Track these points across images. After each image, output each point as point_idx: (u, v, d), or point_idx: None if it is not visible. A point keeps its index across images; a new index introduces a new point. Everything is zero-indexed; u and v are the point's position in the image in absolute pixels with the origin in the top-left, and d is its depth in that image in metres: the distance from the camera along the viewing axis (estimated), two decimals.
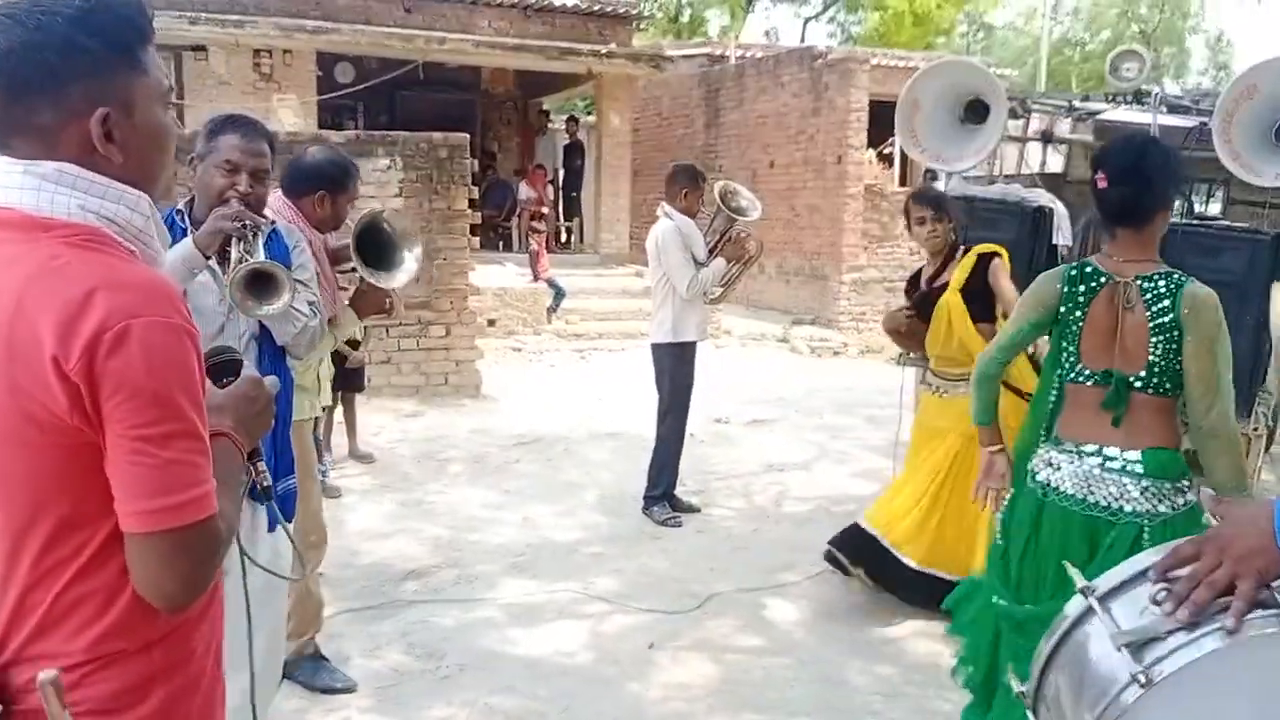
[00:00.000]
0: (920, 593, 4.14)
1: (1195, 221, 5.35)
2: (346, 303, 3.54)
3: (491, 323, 11.19)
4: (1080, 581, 1.50)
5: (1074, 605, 1.50)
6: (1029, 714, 1.60)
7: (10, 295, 1.18)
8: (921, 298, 4.41)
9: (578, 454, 7.13)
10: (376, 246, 3.44)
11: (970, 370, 4.17)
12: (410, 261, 3.50)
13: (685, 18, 28.32)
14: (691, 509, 5.74)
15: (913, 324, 4.49)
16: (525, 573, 4.80)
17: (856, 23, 28.20)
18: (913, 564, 4.17)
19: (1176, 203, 6.62)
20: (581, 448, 7.30)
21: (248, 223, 2.68)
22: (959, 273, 4.23)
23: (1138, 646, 1.37)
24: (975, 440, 4.17)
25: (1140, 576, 1.45)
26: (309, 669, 3.60)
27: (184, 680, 1.33)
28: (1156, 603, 1.37)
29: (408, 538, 5.23)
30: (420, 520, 5.54)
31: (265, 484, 1.56)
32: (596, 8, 15.35)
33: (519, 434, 7.61)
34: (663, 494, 5.67)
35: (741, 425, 8.14)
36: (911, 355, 4.78)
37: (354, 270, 3.45)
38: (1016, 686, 1.64)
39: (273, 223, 2.87)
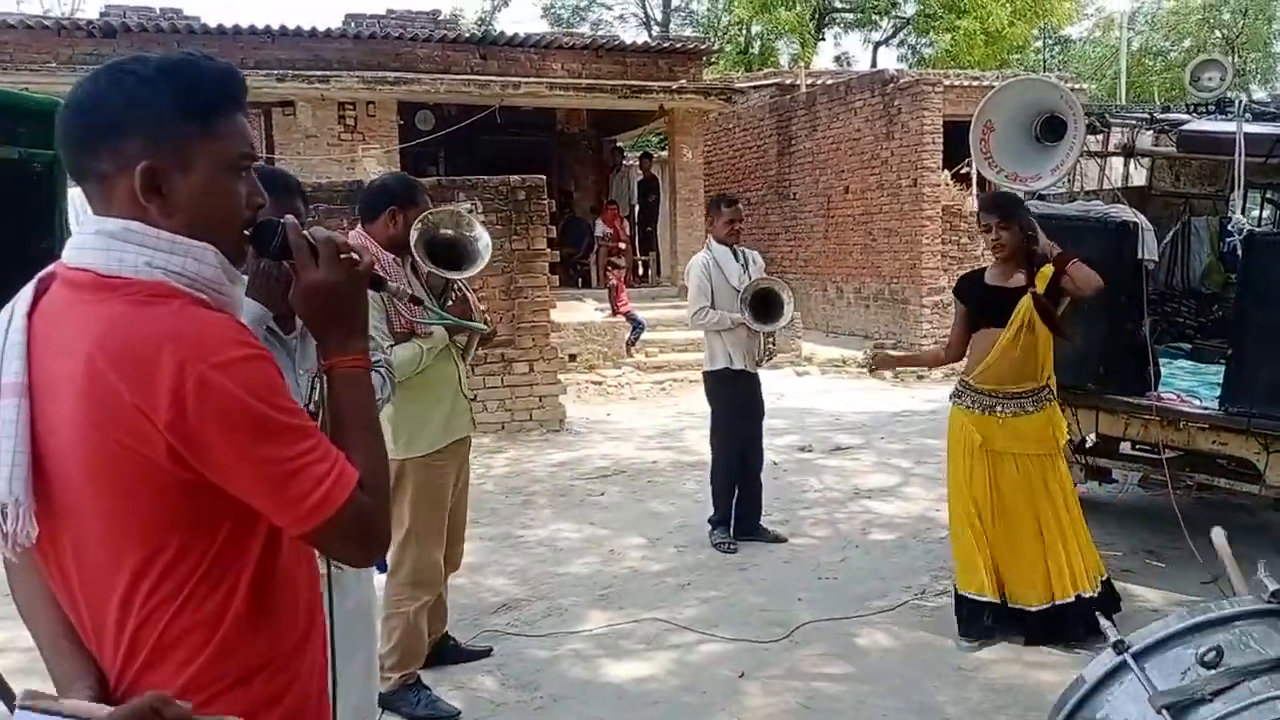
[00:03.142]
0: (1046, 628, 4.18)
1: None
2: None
3: (573, 358, 11.34)
4: (1113, 635, 1.47)
5: (1104, 660, 1.46)
6: None
7: (84, 357, 1.22)
8: (988, 294, 4.29)
9: (661, 485, 7.17)
10: (447, 248, 3.51)
11: (1027, 387, 4.16)
12: (480, 252, 3.53)
13: (755, 49, 28.46)
14: (778, 539, 5.74)
15: (913, 354, 4.49)
16: (613, 604, 4.84)
17: (928, 44, 28.00)
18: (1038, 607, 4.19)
19: (1269, 210, 6.45)
20: (665, 478, 7.34)
21: None
22: (1041, 280, 4.18)
23: (1179, 709, 1.34)
24: (1031, 455, 4.19)
25: (1178, 637, 1.40)
26: (411, 699, 3.69)
27: (288, 708, 1.38)
28: (1205, 664, 1.33)
29: (497, 571, 5.33)
30: (509, 554, 5.63)
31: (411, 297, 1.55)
32: (666, 45, 15.57)
33: (602, 466, 7.69)
34: (721, 518, 5.70)
35: (825, 453, 8.10)
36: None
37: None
38: None
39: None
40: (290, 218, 1.44)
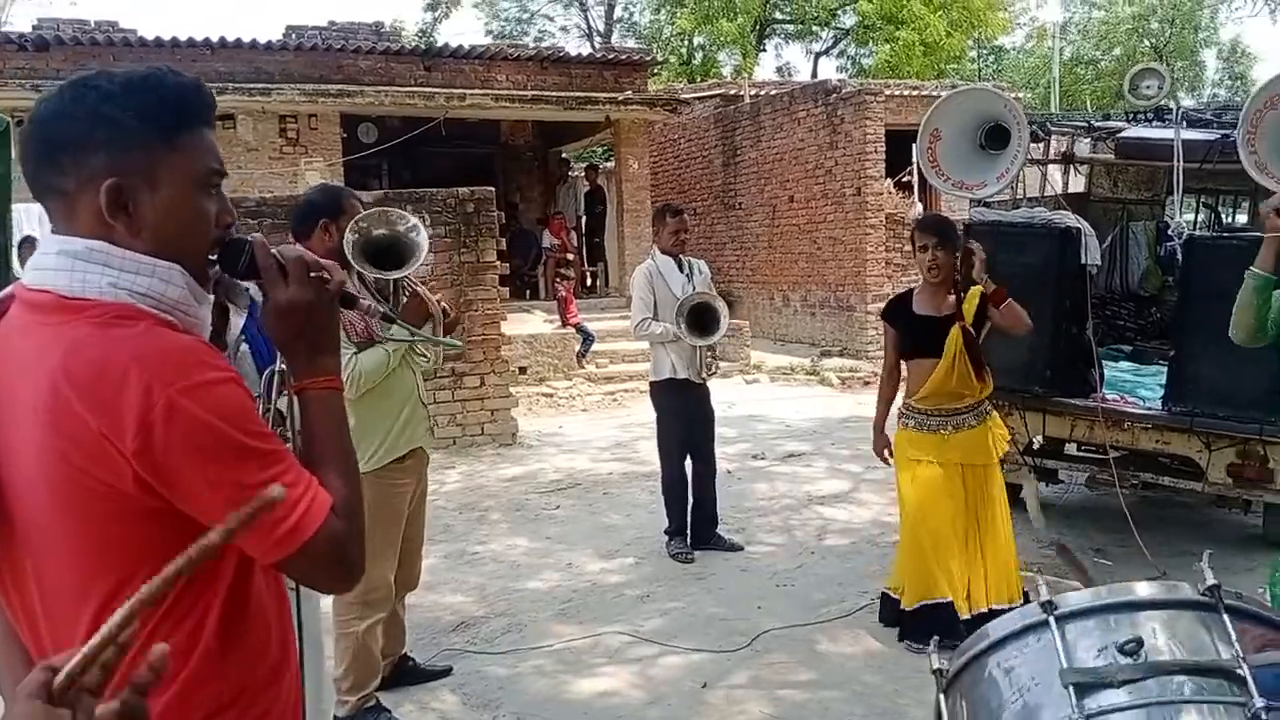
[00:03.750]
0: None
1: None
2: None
3: (523, 370, 11.27)
4: (1044, 593, 1.47)
5: (1028, 612, 1.46)
6: (940, 694, 1.54)
7: (48, 382, 1.18)
8: (919, 324, 4.28)
9: (616, 496, 7.16)
10: (385, 249, 3.44)
11: (967, 403, 4.22)
12: (419, 242, 3.45)
13: (698, 60, 28.64)
14: (734, 547, 5.75)
15: (880, 413, 4.55)
16: (573, 618, 4.82)
17: (867, 55, 28.39)
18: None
19: (1204, 214, 6.61)
20: (619, 490, 7.33)
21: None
22: (969, 306, 4.21)
23: (1084, 688, 1.34)
24: (976, 465, 4.25)
25: (1105, 611, 1.40)
26: None
27: None
28: (1124, 652, 1.33)
29: (454, 589, 5.27)
30: (466, 571, 5.58)
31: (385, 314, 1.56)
32: (611, 56, 15.59)
33: (556, 480, 7.65)
34: (676, 529, 5.70)
35: (777, 460, 8.14)
36: None
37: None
38: (934, 663, 1.58)
39: (247, 289, 2.78)
40: (258, 235, 1.41)
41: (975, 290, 4.26)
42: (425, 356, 3.79)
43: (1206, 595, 1.39)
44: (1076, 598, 1.45)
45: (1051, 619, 1.43)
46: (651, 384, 5.78)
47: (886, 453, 4.53)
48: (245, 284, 1.45)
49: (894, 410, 4.56)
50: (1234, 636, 1.34)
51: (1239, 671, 1.29)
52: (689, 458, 5.72)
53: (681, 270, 5.62)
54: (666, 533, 5.75)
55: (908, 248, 13.38)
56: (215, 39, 12.97)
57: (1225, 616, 1.37)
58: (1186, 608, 1.40)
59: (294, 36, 14.23)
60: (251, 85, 12.40)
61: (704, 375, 5.59)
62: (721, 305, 5.50)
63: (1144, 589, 1.41)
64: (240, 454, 1.22)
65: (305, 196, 3.69)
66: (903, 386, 4.50)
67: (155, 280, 1.28)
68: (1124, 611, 1.40)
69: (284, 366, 2.60)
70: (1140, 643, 1.34)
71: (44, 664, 0.88)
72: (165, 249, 1.29)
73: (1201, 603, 1.39)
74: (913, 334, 4.32)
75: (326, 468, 1.33)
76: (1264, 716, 1.23)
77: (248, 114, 12.43)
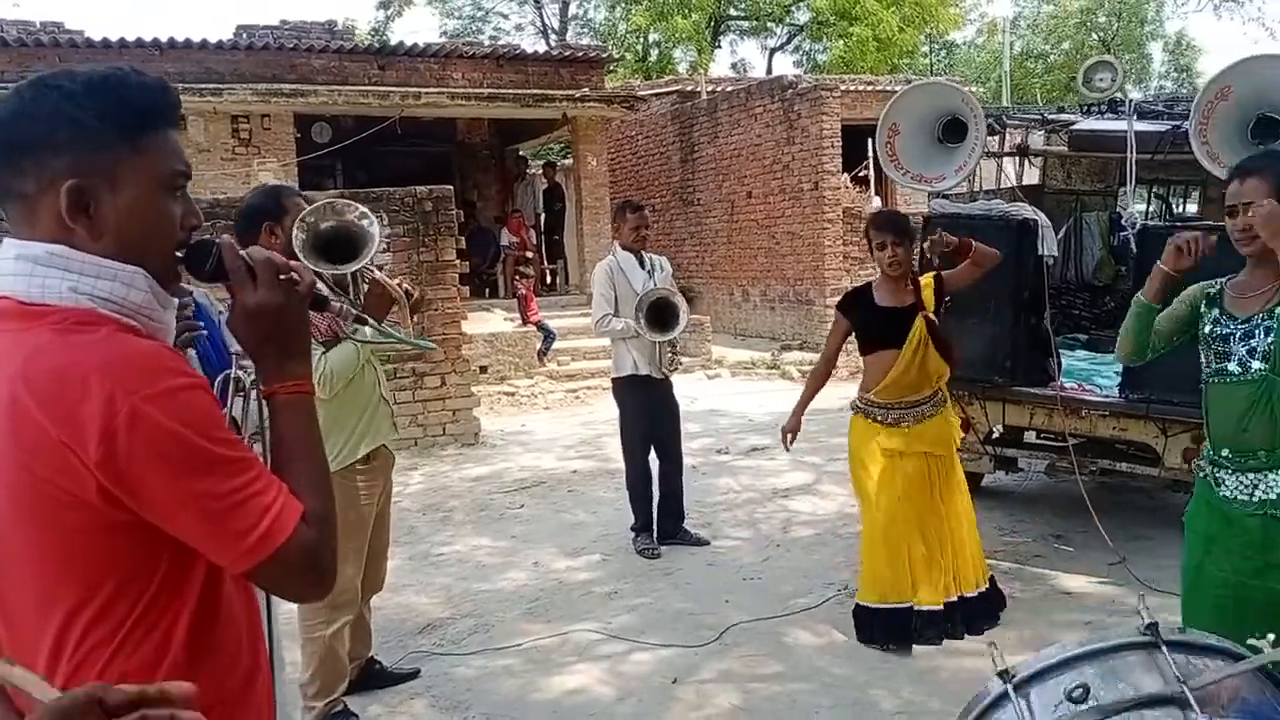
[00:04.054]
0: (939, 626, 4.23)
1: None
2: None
3: (483, 369, 11.22)
4: (999, 663, 1.52)
5: (991, 688, 1.52)
6: None
7: (7, 391, 1.16)
8: (882, 315, 4.31)
9: (581, 494, 7.14)
10: (337, 241, 3.35)
11: (925, 394, 4.28)
12: (370, 230, 3.36)
13: (653, 57, 28.64)
14: (699, 542, 5.76)
15: (804, 399, 4.56)
16: (540, 617, 4.80)
17: (821, 51, 28.58)
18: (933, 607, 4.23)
19: (1155, 204, 6.73)
20: (584, 487, 7.31)
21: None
22: (926, 295, 4.27)
23: None
24: (934, 455, 4.28)
25: (1059, 668, 1.45)
26: None
27: None
28: (1073, 700, 1.38)
29: (420, 590, 5.23)
30: (431, 572, 5.53)
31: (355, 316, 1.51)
32: (568, 53, 15.56)
33: (520, 479, 7.62)
34: (642, 525, 5.70)
35: (740, 454, 8.17)
36: None
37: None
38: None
39: (189, 292, 2.71)
40: (226, 237, 1.38)
41: (927, 279, 4.33)
42: (395, 336, 3.71)
43: (1147, 634, 1.45)
44: (1029, 662, 1.51)
45: (1009, 688, 1.48)
46: (614, 380, 5.78)
47: (789, 437, 4.50)
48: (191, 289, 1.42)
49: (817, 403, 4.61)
50: (1174, 665, 1.40)
51: (1182, 695, 1.34)
52: (654, 453, 5.72)
53: (643, 266, 5.62)
54: (632, 529, 5.75)
55: (864, 241, 13.61)
56: (164, 39, 12.77)
57: (1165, 649, 1.44)
58: (1130, 649, 1.47)
59: (245, 36, 14.03)
60: (202, 85, 12.21)
61: (666, 371, 5.59)
62: (681, 301, 5.50)
63: (1085, 643, 1.47)
64: (207, 462, 1.19)
65: (245, 200, 3.60)
66: (861, 382, 4.48)
67: (117, 284, 1.25)
68: (1073, 665, 1.46)
69: (238, 373, 2.56)
70: (1087, 689, 1.39)
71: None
72: (128, 252, 1.26)
73: (1143, 642, 1.45)
74: (875, 325, 4.34)
75: (296, 474, 1.30)
76: None
77: (199, 115, 12.23)
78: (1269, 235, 2.53)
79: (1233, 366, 2.70)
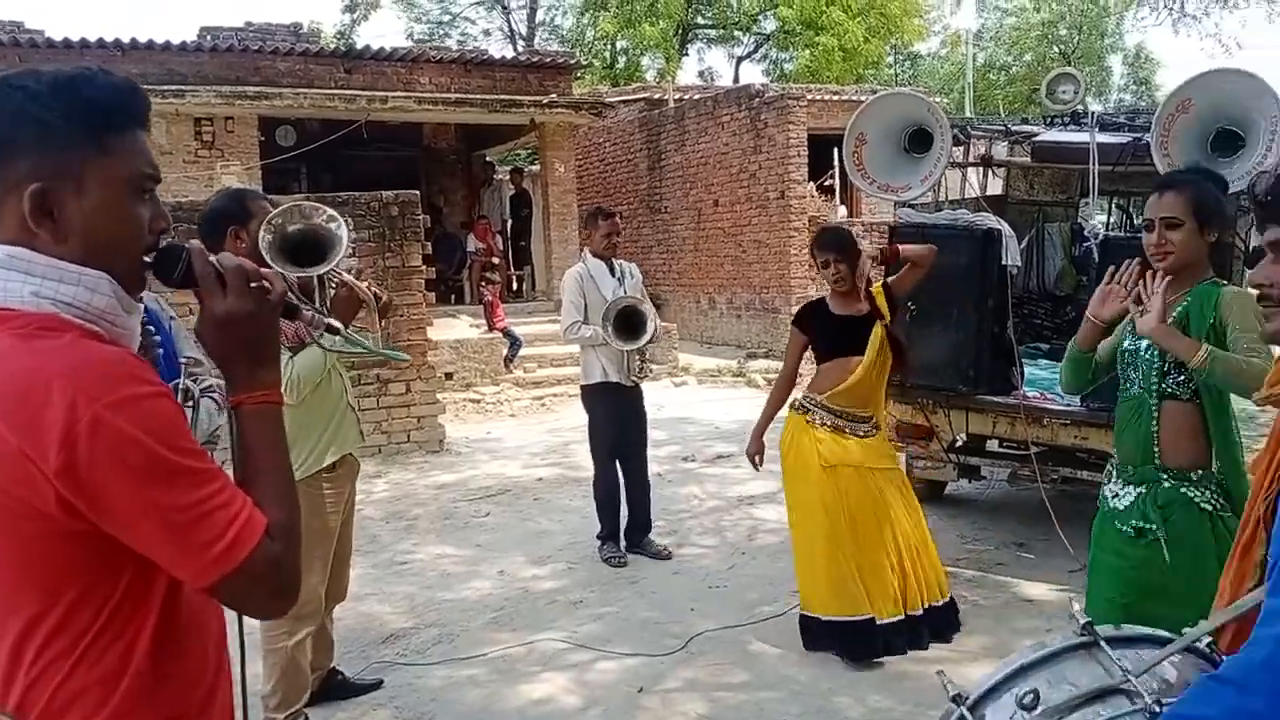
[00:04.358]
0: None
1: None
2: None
3: (449, 376, 11.15)
4: (951, 689, 1.56)
5: (946, 713, 1.54)
6: None
7: None
8: (840, 324, 4.31)
9: (547, 502, 7.11)
10: (304, 244, 3.30)
11: (869, 412, 4.30)
12: (338, 233, 3.31)
13: (621, 64, 28.68)
14: (660, 555, 5.67)
15: (766, 414, 4.57)
16: (506, 626, 4.76)
17: (788, 60, 28.75)
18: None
19: (1116, 215, 6.83)
20: (550, 495, 7.28)
21: None
22: (882, 303, 4.31)
23: None
24: (878, 470, 4.27)
25: (1006, 682, 1.48)
26: None
27: None
28: (1024, 707, 1.41)
29: (383, 600, 5.17)
30: (394, 581, 5.48)
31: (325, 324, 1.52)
32: (535, 59, 15.54)
33: (486, 486, 7.57)
34: (609, 533, 5.68)
35: (706, 461, 8.17)
36: None
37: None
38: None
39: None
40: (195, 243, 1.35)
41: (877, 288, 4.37)
42: (365, 334, 3.68)
43: (1085, 634, 1.49)
44: (979, 683, 1.55)
45: (964, 710, 1.51)
46: (583, 388, 5.76)
47: (757, 459, 4.57)
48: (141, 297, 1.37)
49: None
50: (1117, 660, 1.45)
51: (1126, 686, 1.39)
52: (622, 461, 5.70)
53: (613, 274, 5.61)
54: (599, 537, 5.73)
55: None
56: (126, 40, 12.60)
57: (1104, 645, 1.49)
58: (1071, 651, 1.51)
59: (209, 38, 13.90)
60: (165, 87, 12.04)
61: (634, 379, 5.58)
62: (649, 309, 5.49)
63: (1029, 652, 1.51)
64: (170, 472, 1.16)
65: (209, 204, 3.53)
66: (813, 387, 4.42)
67: (81, 289, 1.22)
68: (1022, 676, 1.49)
69: (188, 382, 2.50)
70: (1037, 694, 1.43)
71: None
72: (94, 256, 1.24)
73: (1083, 643, 1.49)
74: (833, 334, 4.34)
75: (262, 487, 1.27)
76: (1159, 709, 1.32)
77: (161, 117, 12.07)
78: (1179, 258, 2.67)
79: (1133, 389, 2.83)
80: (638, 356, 5.53)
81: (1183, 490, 2.74)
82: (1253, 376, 2.48)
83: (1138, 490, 2.81)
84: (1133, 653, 1.49)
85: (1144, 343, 2.77)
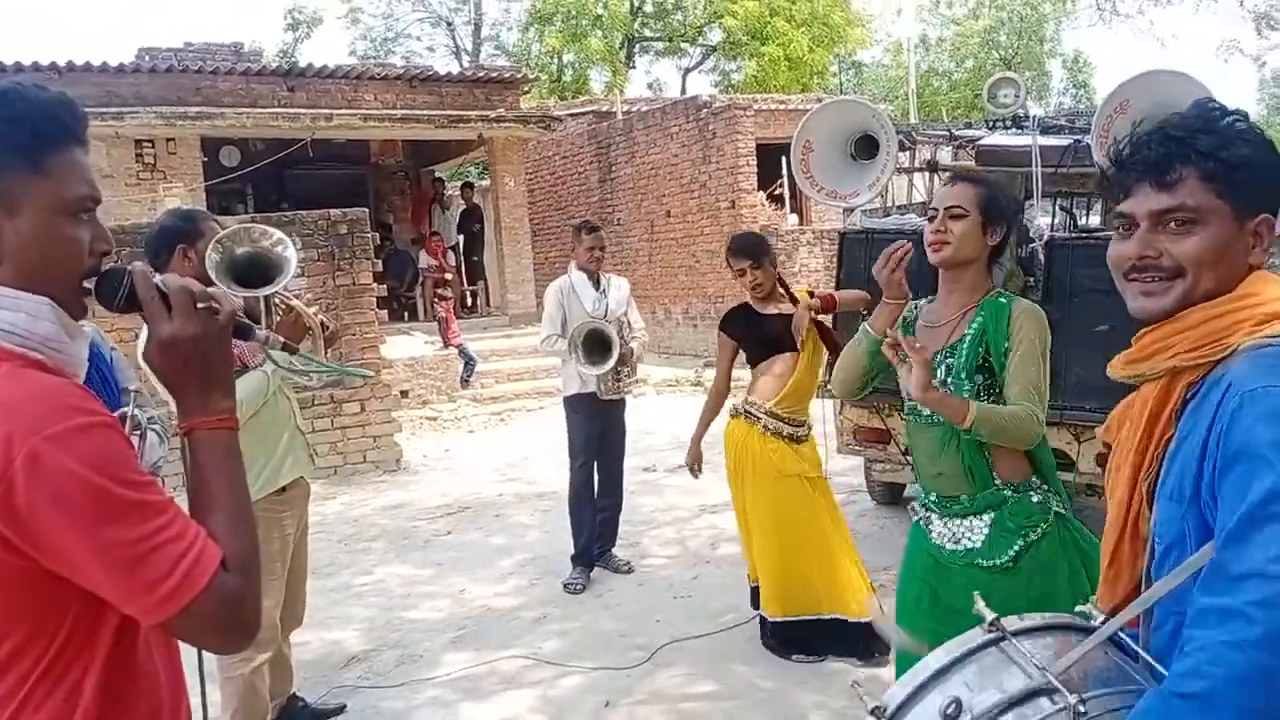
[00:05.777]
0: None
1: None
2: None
3: (404, 394, 11.04)
4: (869, 703, 1.54)
5: None
6: None
7: None
8: (770, 323, 4.30)
9: (507, 518, 7.05)
10: (252, 266, 3.24)
11: (805, 412, 4.30)
12: (286, 256, 3.24)
13: (568, 78, 28.71)
14: (621, 570, 5.64)
15: (702, 424, 4.67)
16: (468, 645, 4.71)
17: (735, 70, 28.96)
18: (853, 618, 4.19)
19: (1060, 216, 6.95)
20: (510, 511, 7.22)
21: None
22: (804, 295, 4.28)
23: None
24: (808, 478, 4.28)
25: (924, 688, 1.45)
26: None
27: None
28: (948, 717, 1.39)
29: (342, 623, 5.09)
30: (353, 604, 5.40)
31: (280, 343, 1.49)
32: (482, 74, 15.49)
33: (444, 504, 7.50)
34: (580, 551, 5.55)
35: (667, 471, 8.16)
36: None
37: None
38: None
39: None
40: (139, 264, 1.29)
41: (801, 290, 4.37)
42: (309, 376, 3.63)
43: (993, 630, 1.48)
44: (892, 694, 1.52)
45: None
46: (565, 399, 5.71)
47: (696, 467, 4.64)
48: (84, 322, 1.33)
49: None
50: (1030, 656, 1.43)
51: (1048, 684, 1.37)
52: (599, 472, 5.66)
53: (597, 287, 5.60)
54: (572, 559, 5.56)
55: (782, 258, 13.80)
56: (63, 62, 12.35)
57: (1015, 641, 1.46)
58: (983, 650, 1.48)
59: (148, 59, 13.68)
60: (104, 110, 11.82)
61: (609, 395, 5.52)
62: (613, 332, 5.41)
63: (942, 656, 1.48)
64: (114, 508, 1.11)
65: (158, 223, 3.46)
66: (756, 394, 4.42)
67: (21, 315, 1.17)
68: (938, 681, 1.47)
69: (136, 410, 2.44)
70: (959, 703, 1.40)
71: None
72: (30, 281, 1.19)
73: (992, 640, 1.47)
74: (762, 333, 4.35)
75: (216, 517, 1.22)
76: (1084, 708, 1.30)
77: (101, 139, 11.85)
78: (956, 251, 2.46)
79: (935, 417, 2.47)
80: (615, 375, 5.48)
81: (1034, 499, 2.47)
82: (1021, 431, 2.37)
83: (986, 519, 2.47)
84: (1041, 641, 1.47)
85: (940, 370, 2.51)
